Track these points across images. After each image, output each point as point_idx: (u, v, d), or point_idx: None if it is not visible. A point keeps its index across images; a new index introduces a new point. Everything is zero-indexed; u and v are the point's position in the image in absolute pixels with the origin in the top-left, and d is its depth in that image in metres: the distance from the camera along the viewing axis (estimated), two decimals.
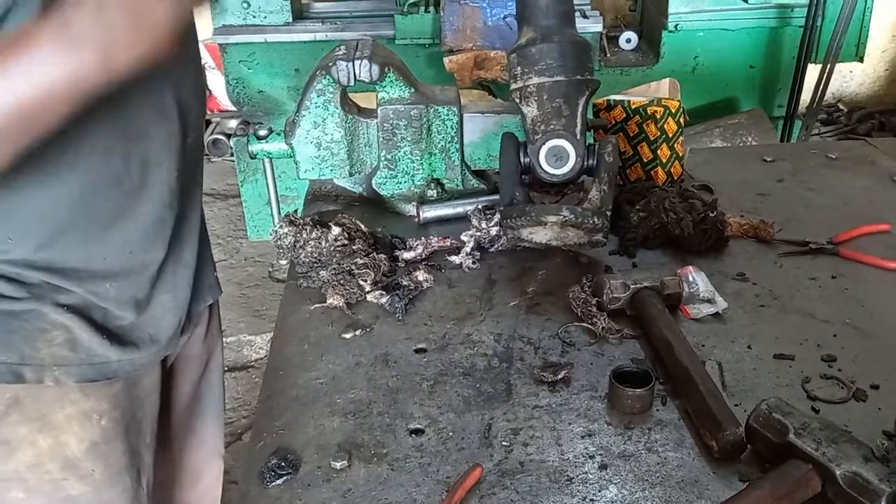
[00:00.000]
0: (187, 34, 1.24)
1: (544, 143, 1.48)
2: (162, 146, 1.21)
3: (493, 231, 1.64)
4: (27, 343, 1.15)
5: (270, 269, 4.11)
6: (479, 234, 1.64)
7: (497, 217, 1.65)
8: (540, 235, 1.57)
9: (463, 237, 1.64)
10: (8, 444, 1.19)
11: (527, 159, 1.52)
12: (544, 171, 1.50)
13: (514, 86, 1.51)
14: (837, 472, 0.99)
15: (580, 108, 1.49)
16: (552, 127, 1.47)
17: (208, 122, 4.62)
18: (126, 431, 1.29)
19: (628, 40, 3.85)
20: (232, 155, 4.04)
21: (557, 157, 1.48)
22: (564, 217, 1.46)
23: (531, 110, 1.49)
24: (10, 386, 1.16)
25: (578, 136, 1.48)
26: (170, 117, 1.22)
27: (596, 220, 1.47)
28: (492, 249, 1.64)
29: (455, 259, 1.61)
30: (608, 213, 1.51)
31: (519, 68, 1.49)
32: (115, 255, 1.20)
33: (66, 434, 1.21)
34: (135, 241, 1.22)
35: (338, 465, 1.11)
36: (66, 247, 1.15)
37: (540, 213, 1.47)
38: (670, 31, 3.60)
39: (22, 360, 1.15)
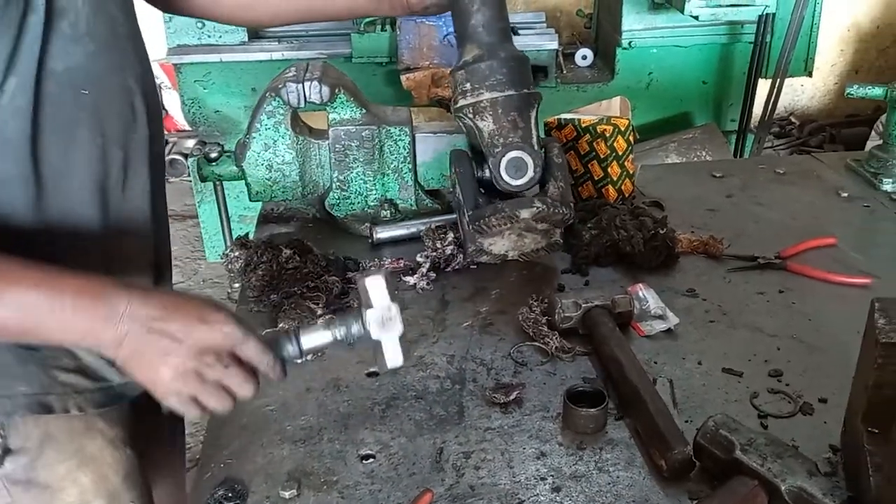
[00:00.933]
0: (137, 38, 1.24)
1: (504, 156, 1.51)
2: (135, 152, 1.21)
3: (449, 250, 1.64)
4: (44, 371, 1.14)
5: (229, 291, 4.04)
6: (434, 254, 1.64)
7: (451, 236, 1.65)
8: (499, 246, 1.59)
9: (419, 258, 1.63)
10: (49, 488, 1.15)
11: (481, 172, 1.54)
12: (505, 182, 1.52)
13: (463, 101, 1.52)
14: (783, 488, 1.01)
15: (532, 121, 1.53)
16: (510, 140, 1.50)
17: (165, 142, 4.56)
18: (140, 458, 1.29)
19: (584, 57, 3.89)
20: (189, 175, 3.99)
21: (517, 167, 1.52)
22: (538, 208, 1.48)
23: (487, 124, 1.51)
24: (39, 420, 1.14)
25: (535, 147, 1.52)
26: (139, 121, 1.22)
27: (564, 209, 1.51)
28: (448, 269, 1.64)
29: (410, 280, 1.60)
30: (571, 204, 1.55)
31: (468, 84, 1.50)
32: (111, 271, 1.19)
33: (104, 466, 1.20)
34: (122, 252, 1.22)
35: (287, 494, 1.09)
36: None
37: (514, 208, 1.49)
38: (624, 48, 3.64)
39: (44, 389, 1.14)
